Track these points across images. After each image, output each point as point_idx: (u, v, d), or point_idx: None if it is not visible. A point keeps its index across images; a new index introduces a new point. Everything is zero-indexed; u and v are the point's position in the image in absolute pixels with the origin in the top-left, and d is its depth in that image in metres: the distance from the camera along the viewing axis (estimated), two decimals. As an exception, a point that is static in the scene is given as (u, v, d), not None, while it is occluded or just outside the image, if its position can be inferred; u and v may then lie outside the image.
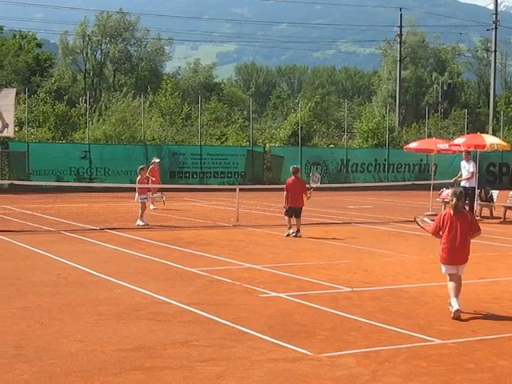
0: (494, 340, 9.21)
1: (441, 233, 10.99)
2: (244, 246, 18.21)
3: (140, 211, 22.68)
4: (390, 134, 52.21)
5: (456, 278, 10.84)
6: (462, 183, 25.65)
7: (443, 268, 10.97)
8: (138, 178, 23.65)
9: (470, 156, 26.19)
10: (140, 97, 49.75)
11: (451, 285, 10.77)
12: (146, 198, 23.27)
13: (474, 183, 25.52)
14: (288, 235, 20.20)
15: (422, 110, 66.58)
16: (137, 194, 23.10)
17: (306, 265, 15.10)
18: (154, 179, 28.58)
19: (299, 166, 23.43)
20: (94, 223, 22.63)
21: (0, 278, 13.17)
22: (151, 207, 27.70)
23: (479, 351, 8.68)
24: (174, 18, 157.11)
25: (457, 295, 10.65)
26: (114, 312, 10.46)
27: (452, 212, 10.88)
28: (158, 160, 30.40)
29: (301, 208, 20.61)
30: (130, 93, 54.31)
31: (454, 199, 10.82)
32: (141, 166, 24.53)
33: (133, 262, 15.14)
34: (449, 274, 10.86)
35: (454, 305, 10.45)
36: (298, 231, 20.30)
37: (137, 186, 23.45)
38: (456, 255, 10.86)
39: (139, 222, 22.48)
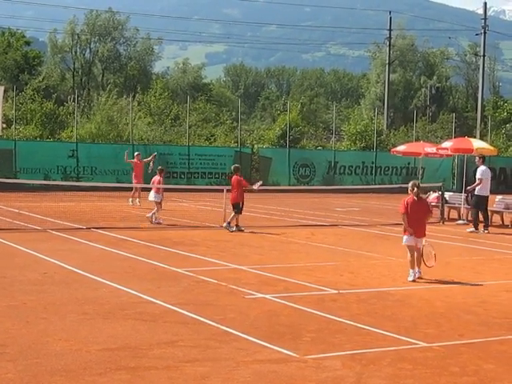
0: (480, 344, 9.24)
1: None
2: (230, 246, 18.20)
3: (155, 209, 23.20)
4: (377, 136, 52.20)
5: (416, 250, 13.75)
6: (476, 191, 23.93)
7: (405, 239, 13.84)
8: (158, 178, 23.81)
9: (481, 161, 24.31)
10: (128, 96, 49.62)
11: (410, 258, 13.73)
12: (160, 198, 23.61)
13: (483, 191, 23.86)
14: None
15: (410, 113, 66.68)
16: (153, 193, 23.46)
17: (292, 266, 15.10)
18: (135, 174, 29.71)
19: (238, 165, 23.93)
20: (81, 222, 22.56)
21: (-15, 276, 13.11)
22: (130, 202, 28.66)
23: (464, 355, 8.70)
24: (164, 18, 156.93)
25: (414, 267, 13.66)
26: (100, 311, 10.43)
27: (415, 198, 14.04)
28: (136, 153, 31.15)
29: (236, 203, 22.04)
30: (113, 90, 54.05)
31: (415, 188, 14.06)
32: (160, 167, 24.79)
33: (119, 262, 15.11)
34: (408, 246, 13.75)
35: (411, 275, 13.58)
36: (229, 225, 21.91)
37: (160, 186, 23.75)
38: (417, 230, 13.79)
39: (159, 221, 23.03)
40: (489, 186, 24.19)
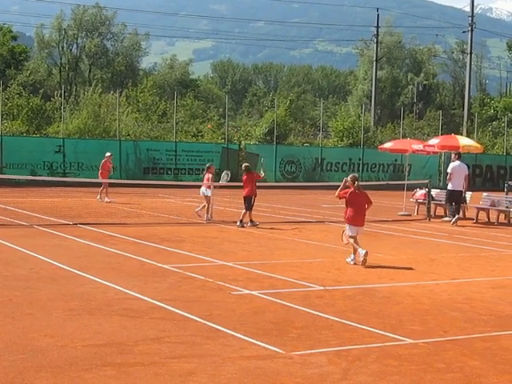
0: (465, 340, 9.27)
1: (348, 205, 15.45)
2: (217, 243, 18.20)
3: (206, 206, 23.39)
4: (364, 133, 52.33)
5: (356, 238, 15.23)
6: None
7: (351, 229, 15.27)
8: (207, 175, 23.96)
9: (456, 157, 25.53)
10: (115, 92, 49.53)
11: (354, 244, 15.10)
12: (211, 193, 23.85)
13: (452, 185, 24.97)
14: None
15: (397, 110, 66.88)
16: (204, 188, 23.62)
17: (279, 263, 15.11)
18: (101, 171, 29.90)
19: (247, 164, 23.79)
20: (67, 218, 22.50)
21: (-29, 271, 13.06)
22: (105, 200, 28.52)
23: (450, 351, 8.73)
24: (151, 14, 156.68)
25: (356, 252, 15.04)
26: (86, 307, 10.40)
27: (356, 191, 15.28)
28: (109, 154, 31.24)
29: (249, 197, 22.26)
30: (98, 86, 53.88)
31: (356, 182, 15.31)
32: (207, 164, 25.01)
33: (106, 258, 15.08)
34: (352, 236, 15.17)
35: (352, 258, 15.14)
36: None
37: (213, 184, 24.06)
38: (358, 220, 15.37)
39: (209, 217, 23.32)
40: (460, 181, 24.99)
